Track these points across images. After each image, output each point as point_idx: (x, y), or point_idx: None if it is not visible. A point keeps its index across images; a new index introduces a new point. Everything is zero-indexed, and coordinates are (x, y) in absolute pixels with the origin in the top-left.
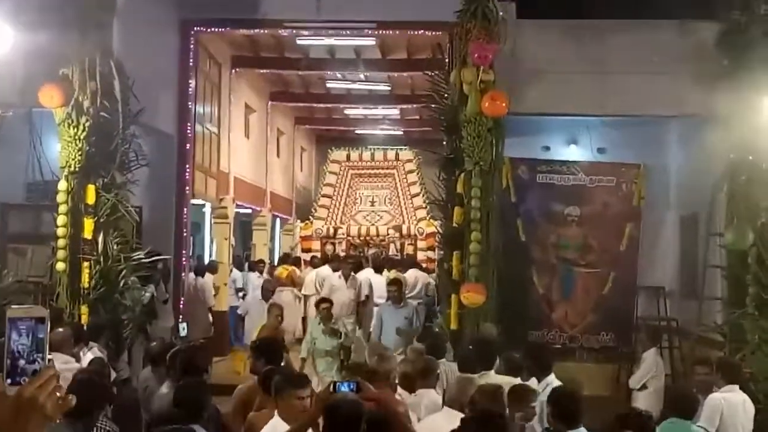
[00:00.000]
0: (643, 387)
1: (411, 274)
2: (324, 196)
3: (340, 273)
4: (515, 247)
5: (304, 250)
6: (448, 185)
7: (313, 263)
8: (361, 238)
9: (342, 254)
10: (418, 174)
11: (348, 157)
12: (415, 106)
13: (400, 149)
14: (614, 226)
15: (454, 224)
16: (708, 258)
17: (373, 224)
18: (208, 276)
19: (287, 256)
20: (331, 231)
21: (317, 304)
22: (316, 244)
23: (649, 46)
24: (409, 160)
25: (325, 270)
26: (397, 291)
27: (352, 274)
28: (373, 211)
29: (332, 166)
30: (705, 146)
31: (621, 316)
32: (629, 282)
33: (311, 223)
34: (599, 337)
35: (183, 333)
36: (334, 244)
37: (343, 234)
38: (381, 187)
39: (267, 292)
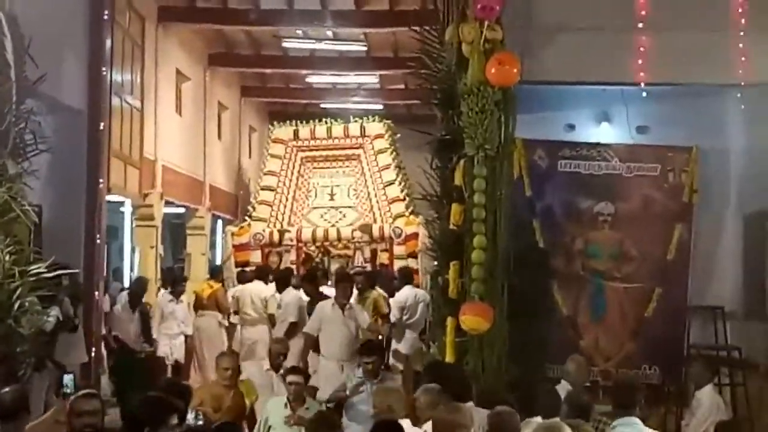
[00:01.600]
0: None
1: (405, 294)
2: (265, 188)
3: (333, 301)
4: (531, 255)
5: (239, 264)
6: (443, 175)
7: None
8: (318, 245)
9: (291, 267)
10: (392, 154)
11: (296, 135)
12: (399, 72)
13: (367, 121)
14: (659, 228)
15: (452, 226)
16: None
17: (333, 225)
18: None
19: (219, 270)
20: (276, 236)
21: (286, 373)
22: (255, 255)
23: None
24: (379, 136)
25: (299, 294)
26: (373, 363)
27: (350, 301)
28: (332, 207)
29: (275, 147)
30: None
31: (668, 345)
32: (679, 300)
33: (248, 226)
34: (640, 371)
35: (69, 389)
36: (280, 254)
37: (292, 240)
38: (343, 174)
39: None
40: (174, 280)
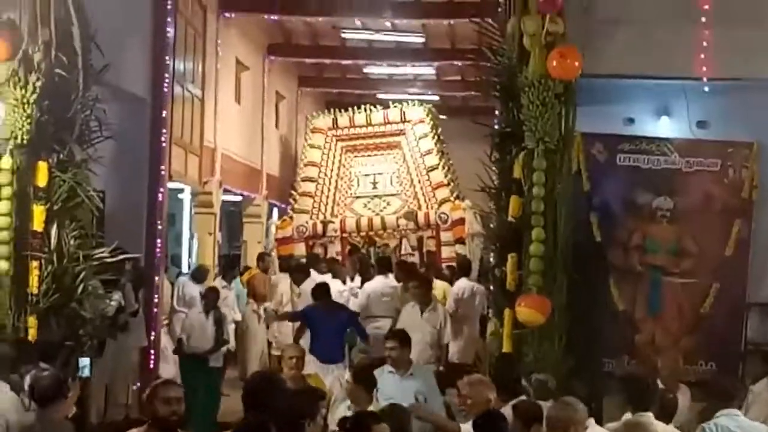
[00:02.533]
0: None
1: (461, 286)
2: (306, 179)
3: (413, 302)
4: (588, 249)
5: (283, 258)
6: (502, 168)
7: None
8: (363, 234)
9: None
10: (434, 138)
11: (335, 124)
12: (456, 63)
13: (407, 106)
14: (718, 223)
15: (510, 218)
16: None
17: (377, 213)
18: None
19: (263, 257)
20: (320, 228)
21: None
22: (299, 248)
23: None
24: (421, 121)
25: (378, 285)
26: (419, 287)
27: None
28: (376, 196)
29: (314, 137)
30: None
31: (726, 340)
32: (737, 296)
33: (290, 218)
34: (697, 367)
35: (85, 373)
36: (324, 245)
37: (336, 231)
38: (385, 162)
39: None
40: (226, 266)
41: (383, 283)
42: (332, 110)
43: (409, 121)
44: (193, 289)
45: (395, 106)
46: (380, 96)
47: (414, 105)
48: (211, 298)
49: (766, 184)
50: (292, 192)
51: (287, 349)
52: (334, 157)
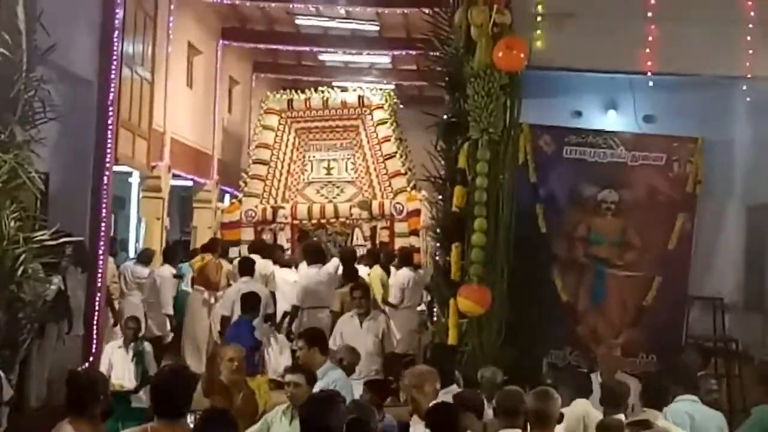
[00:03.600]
0: None
1: (405, 276)
2: (257, 162)
3: (353, 311)
4: (533, 240)
5: (229, 243)
6: (447, 157)
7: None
8: (314, 222)
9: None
10: (392, 125)
11: (290, 105)
12: (411, 52)
13: (366, 91)
14: (662, 217)
15: (454, 208)
16: None
17: (330, 201)
18: (167, 269)
19: (214, 243)
20: (269, 213)
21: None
22: (247, 233)
23: None
24: (379, 107)
25: (309, 274)
26: (362, 297)
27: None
28: (329, 182)
29: (268, 118)
30: None
31: (667, 333)
32: (679, 290)
33: (239, 202)
34: (638, 359)
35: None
36: (274, 231)
37: (287, 217)
38: (340, 147)
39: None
40: (168, 252)
41: (317, 273)
42: (288, 91)
43: (367, 106)
44: (140, 271)
45: (353, 90)
46: (335, 84)
47: (373, 90)
48: (131, 328)
49: (710, 178)
50: (243, 174)
51: (226, 351)
52: (288, 139)
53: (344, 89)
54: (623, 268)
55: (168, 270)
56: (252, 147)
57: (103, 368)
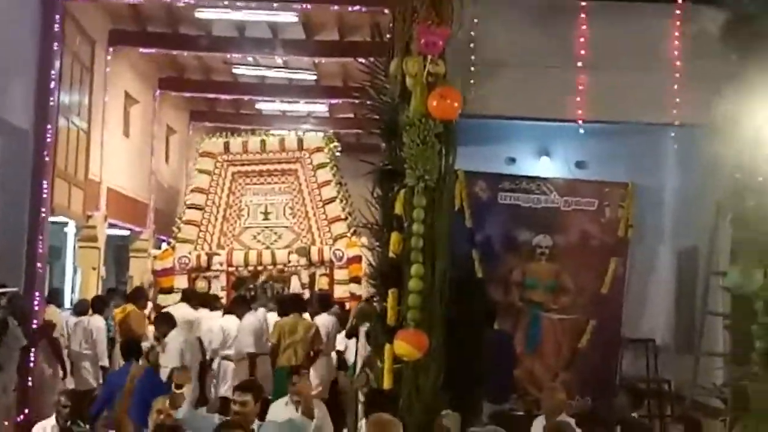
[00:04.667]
0: None
1: (326, 322)
2: (191, 207)
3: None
4: (469, 285)
5: (163, 291)
6: (384, 204)
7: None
8: (251, 269)
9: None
10: (332, 169)
11: (226, 148)
12: (348, 101)
13: (305, 134)
14: (595, 261)
15: (391, 254)
16: (708, 303)
17: (267, 247)
18: (99, 318)
19: (138, 292)
20: (204, 260)
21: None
22: (181, 281)
23: (641, 35)
24: (318, 149)
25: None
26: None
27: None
28: (267, 228)
29: (203, 161)
30: (707, 163)
31: (601, 376)
32: (612, 332)
33: (172, 248)
34: (574, 401)
35: None
36: (208, 279)
37: (222, 263)
38: (278, 191)
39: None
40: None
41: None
42: (225, 133)
43: (306, 149)
44: (73, 321)
45: (291, 132)
46: (273, 132)
47: (313, 134)
48: (65, 406)
49: (640, 223)
50: (177, 220)
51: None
52: (224, 183)
53: (281, 134)
54: (558, 311)
55: (101, 320)
56: (186, 191)
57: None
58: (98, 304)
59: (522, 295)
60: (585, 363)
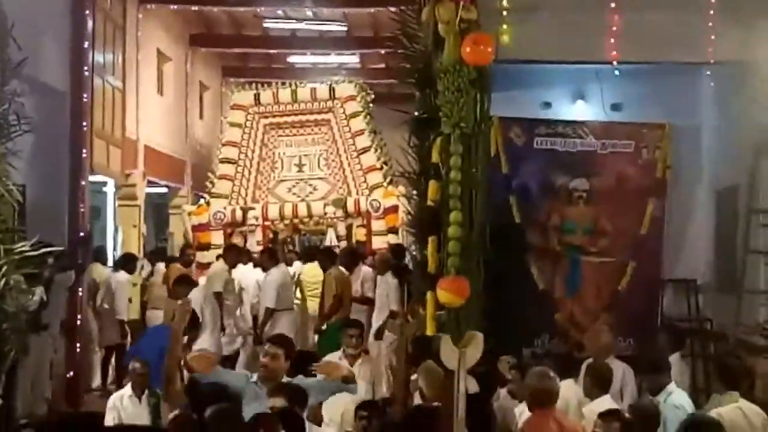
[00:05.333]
0: None
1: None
2: (224, 161)
3: (340, 353)
4: (507, 230)
5: (199, 247)
6: (420, 153)
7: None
8: (287, 223)
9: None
10: (366, 117)
11: (257, 100)
12: (379, 51)
13: (337, 83)
14: (633, 203)
15: (429, 202)
16: (749, 242)
17: (302, 199)
18: (123, 274)
19: (187, 249)
20: (239, 214)
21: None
22: (217, 236)
23: None
24: (351, 98)
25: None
26: (358, 336)
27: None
28: (301, 180)
29: (234, 114)
30: (747, 102)
31: (643, 317)
32: (652, 274)
33: (207, 204)
34: (616, 343)
35: None
36: (244, 234)
37: (257, 218)
38: (312, 142)
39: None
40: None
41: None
42: (254, 85)
43: (338, 99)
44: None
45: (323, 82)
46: None
47: (344, 81)
48: (140, 374)
49: (678, 163)
50: (210, 175)
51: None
52: (256, 136)
53: (314, 83)
54: (597, 254)
55: (124, 276)
56: (218, 145)
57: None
58: (123, 262)
59: (560, 240)
60: (626, 305)
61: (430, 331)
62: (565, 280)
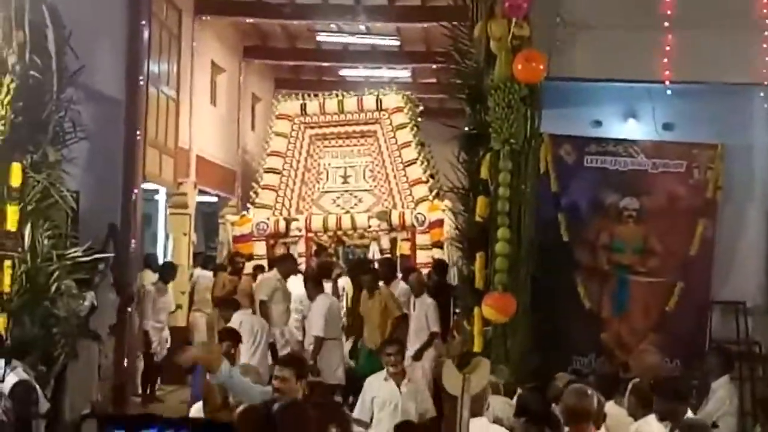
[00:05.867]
0: (714, 425)
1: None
2: (269, 171)
3: (385, 373)
4: (556, 248)
5: (240, 257)
6: (469, 169)
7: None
8: (330, 234)
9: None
10: (412, 129)
11: (303, 110)
12: (431, 66)
13: (384, 93)
14: (683, 223)
15: (477, 218)
16: None
17: (347, 211)
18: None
19: (237, 257)
20: (282, 225)
21: None
22: (259, 247)
23: None
24: (398, 109)
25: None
26: (397, 353)
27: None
28: (346, 191)
29: (280, 124)
30: None
31: (690, 338)
32: (701, 295)
33: (249, 214)
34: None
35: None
36: (287, 245)
37: (300, 229)
38: (357, 154)
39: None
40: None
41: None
42: (301, 95)
43: (385, 110)
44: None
45: (370, 93)
46: None
47: (391, 92)
48: None
49: (729, 184)
50: (253, 185)
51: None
52: (302, 146)
53: (360, 92)
54: (646, 274)
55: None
56: (263, 155)
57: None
58: (162, 269)
59: (609, 258)
60: (673, 326)
61: (477, 348)
62: (612, 300)
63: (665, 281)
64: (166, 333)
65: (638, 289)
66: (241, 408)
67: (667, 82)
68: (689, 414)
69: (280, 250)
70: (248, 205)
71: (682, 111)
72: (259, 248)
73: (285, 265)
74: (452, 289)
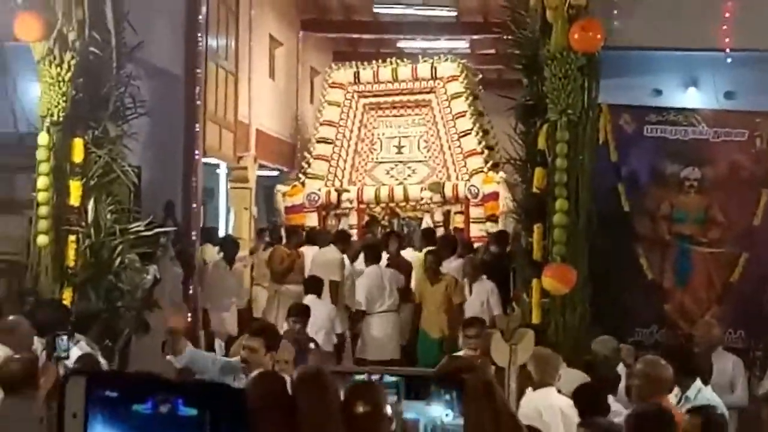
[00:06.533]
0: None
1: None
2: (321, 141)
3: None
4: (616, 219)
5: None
6: (526, 140)
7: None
8: (383, 206)
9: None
10: (468, 99)
11: (356, 78)
12: (489, 37)
13: (438, 61)
14: (746, 192)
15: (535, 189)
16: None
17: (400, 182)
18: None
19: (295, 231)
20: (334, 196)
21: None
22: (311, 218)
23: None
24: (453, 78)
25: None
26: (477, 336)
27: None
28: (400, 162)
29: (333, 93)
30: None
31: (754, 310)
32: (765, 266)
33: (302, 184)
34: (726, 335)
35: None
36: (339, 216)
37: (352, 200)
38: (412, 124)
39: None
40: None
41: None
42: (354, 63)
43: (440, 78)
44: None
45: (425, 61)
46: None
47: (446, 60)
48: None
49: None
50: (305, 155)
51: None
52: (355, 116)
53: (415, 60)
54: (708, 245)
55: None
56: (315, 125)
57: None
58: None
59: (670, 229)
60: (737, 297)
61: (536, 319)
62: (674, 270)
63: (729, 252)
64: (226, 315)
65: (701, 259)
66: (254, 373)
67: (728, 50)
68: (702, 388)
69: (330, 222)
70: (300, 175)
71: (744, 79)
72: (311, 219)
73: (343, 240)
74: (511, 261)
